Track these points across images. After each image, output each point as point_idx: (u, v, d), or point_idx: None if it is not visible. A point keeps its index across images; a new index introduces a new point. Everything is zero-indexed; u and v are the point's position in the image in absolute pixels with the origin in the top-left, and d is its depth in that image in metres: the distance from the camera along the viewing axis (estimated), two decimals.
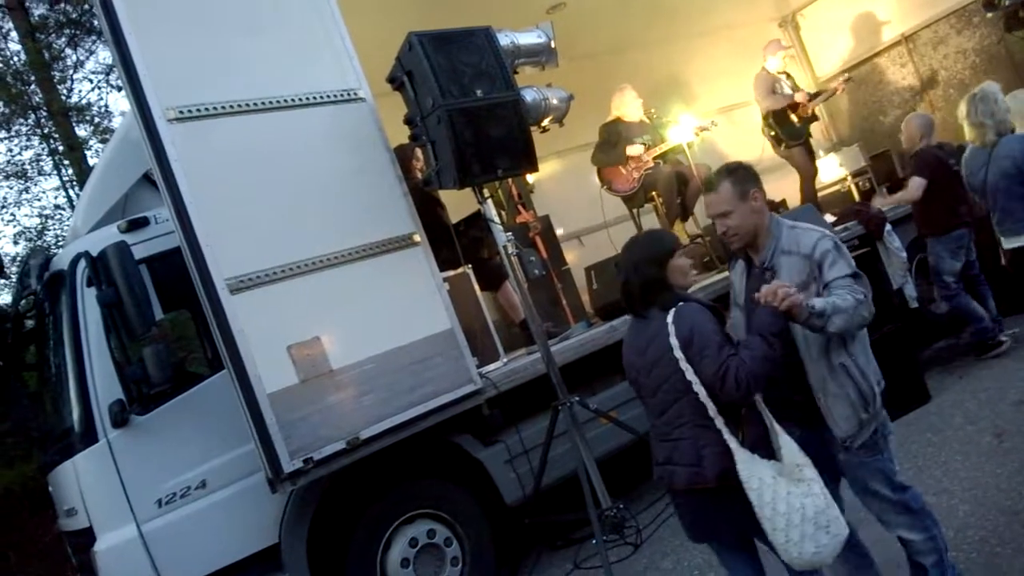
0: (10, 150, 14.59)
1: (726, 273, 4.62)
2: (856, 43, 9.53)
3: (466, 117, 4.12)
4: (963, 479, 4.15)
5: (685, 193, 6.84)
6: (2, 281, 12.40)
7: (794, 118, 7.42)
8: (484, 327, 5.06)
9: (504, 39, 4.47)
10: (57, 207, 14.87)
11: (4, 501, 8.99)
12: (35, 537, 8.63)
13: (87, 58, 15.36)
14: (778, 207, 7.19)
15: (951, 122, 7.11)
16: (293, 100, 4.36)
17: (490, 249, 5.38)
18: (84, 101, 15.12)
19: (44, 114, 14.39)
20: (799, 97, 7.35)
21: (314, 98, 4.43)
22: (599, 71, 7.53)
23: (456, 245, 5.14)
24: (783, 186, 7.94)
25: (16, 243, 14.48)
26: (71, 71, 15.16)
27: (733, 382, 2.47)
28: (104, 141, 13.49)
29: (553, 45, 4.80)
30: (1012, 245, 4.62)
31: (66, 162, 14.50)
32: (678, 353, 2.57)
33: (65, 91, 14.79)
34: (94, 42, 14.92)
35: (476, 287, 5.14)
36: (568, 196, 7.87)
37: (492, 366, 4.92)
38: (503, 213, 6.43)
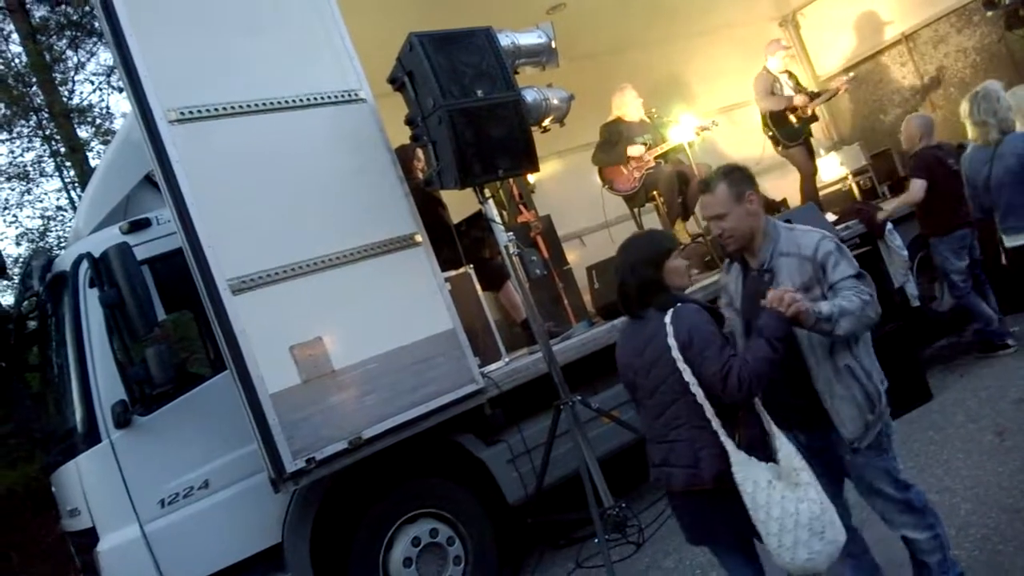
0: (12, 152, 14.64)
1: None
2: (856, 42, 9.53)
3: (467, 117, 4.12)
4: (965, 477, 4.15)
5: (686, 192, 6.84)
6: (4, 282, 12.41)
7: (792, 119, 7.42)
8: (486, 327, 5.06)
9: (505, 39, 4.47)
10: (59, 208, 14.94)
11: (7, 502, 9.00)
12: (38, 538, 8.64)
13: (88, 60, 15.42)
14: (779, 206, 7.21)
15: (952, 121, 7.12)
16: (294, 101, 4.36)
17: (491, 249, 5.38)
18: (85, 103, 15.17)
19: (46, 116, 14.42)
20: (798, 100, 7.33)
21: (315, 99, 4.43)
22: (599, 71, 7.53)
23: (457, 245, 5.14)
24: (784, 185, 7.96)
25: (18, 244, 14.54)
26: (72, 73, 15.22)
27: (736, 381, 2.46)
28: (105, 142, 13.51)
29: (553, 45, 4.80)
30: (1015, 243, 4.62)
31: (68, 164, 14.54)
32: (676, 354, 2.56)
33: (66, 93, 14.83)
34: (95, 44, 14.96)
35: (478, 287, 5.15)
36: (569, 196, 7.87)
37: (494, 366, 4.92)
38: (504, 213, 6.43)
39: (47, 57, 14.40)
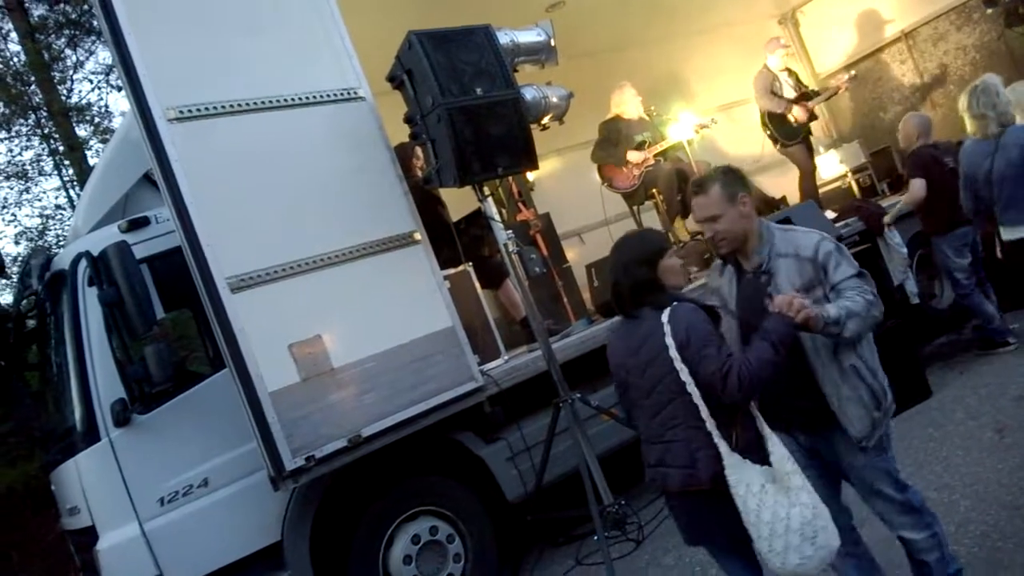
0: (11, 150, 14.63)
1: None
2: (856, 40, 9.54)
3: (466, 115, 4.12)
4: (964, 474, 4.15)
5: (685, 190, 6.81)
6: (3, 281, 12.43)
7: (791, 118, 7.42)
8: (485, 325, 5.06)
9: (504, 37, 4.47)
10: (58, 207, 14.93)
11: (6, 500, 9.00)
12: (37, 536, 8.63)
13: (87, 58, 15.41)
14: (778, 203, 7.21)
15: (952, 118, 7.11)
16: (293, 99, 4.36)
17: (491, 247, 5.38)
18: (84, 101, 15.17)
19: (44, 114, 14.41)
20: (797, 113, 7.31)
21: (314, 97, 4.43)
22: (599, 69, 7.53)
23: (457, 243, 5.14)
24: (783, 182, 7.97)
25: (17, 243, 14.53)
26: (71, 71, 15.21)
27: (736, 381, 2.45)
28: (104, 141, 13.52)
29: (553, 43, 4.80)
30: (1014, 236, 4.60)
31: (66, 162, 14.54)
32: (673, 353, 2.54)
33: (65, 91, 14.83)
34: (94, 42, 14.95)
35: (477, 285, 5.15)
36: (568, 194, 7.87)
37: (493, 363, 4.92)
38: (503, 211, 6.42)
39: (46, 56, 14.40)
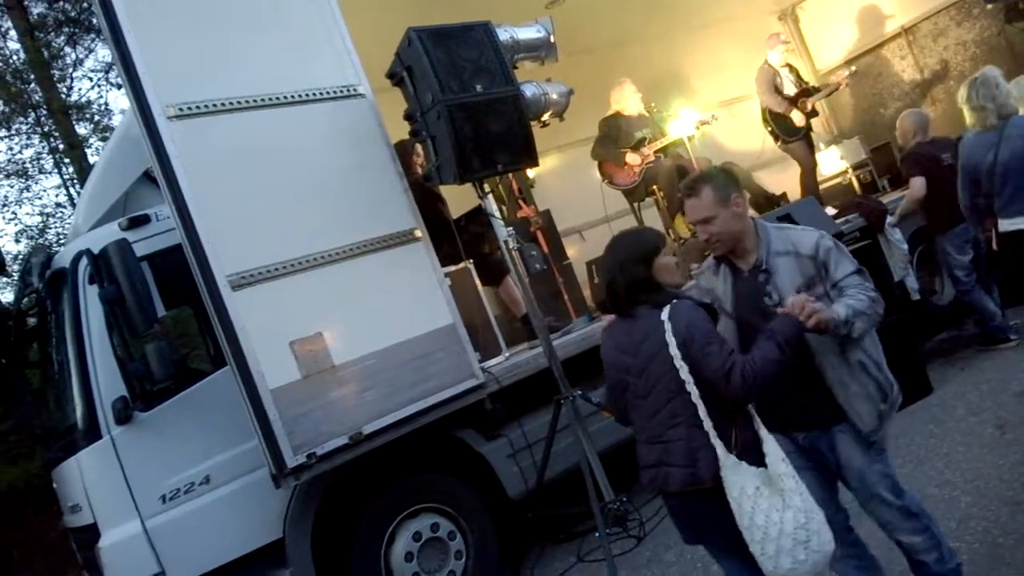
0: (11, 149, 14.64)
1: None
2: (856, 36, 9.52)
3: (466, 112, 4.12)
4: (965, 470, 4.15)
5: None
6: (4, 279, 12.45)
7: (791, 118, 7.41)
8: (486, 322, 5.06)
9: (503, 34, 4.46)
10: (58, 205, 14.96)
11: (8, 498, 9.02)
12: (39, 534, 8.64)
13: (86, 56, 15.43)
14: (779, 200, 7.20)
15: (952, 114, 7.11)
16: (293, 97, 4.36)
17: (491, 244, 5.38)
18: (84, 99, 15.19)
19: (44, 112, 14.42)
20: (796, 118, 7.30)
21: (314, 94, 4.43)
22: (599, 65, 7.52)
23: (457, 240, 5.15)
24: (784, 178, 7.95)
25: (18, 241, 14.57)
26: (70, 69, 15.21)
27: (739, 378, 2.44)
28: (104, 139, 13.52)
29: (552, 40, 4.79)
30: (1013, 227, 4.58)
31: (66, 160, 14.55)
32: (674, 351, 2.53)
33: (65, 89, 14.84)
34: (93, 40, 14.96)
35: (477, 282, 5.14)
36: (569, 191, 7.87)
37: (494, 361, 4.92)
38: (504, 208, 6.42)
39: (45, 54, 14.39)
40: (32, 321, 5.37)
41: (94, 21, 13.36)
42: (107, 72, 15.01)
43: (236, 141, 4.17)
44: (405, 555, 4.50)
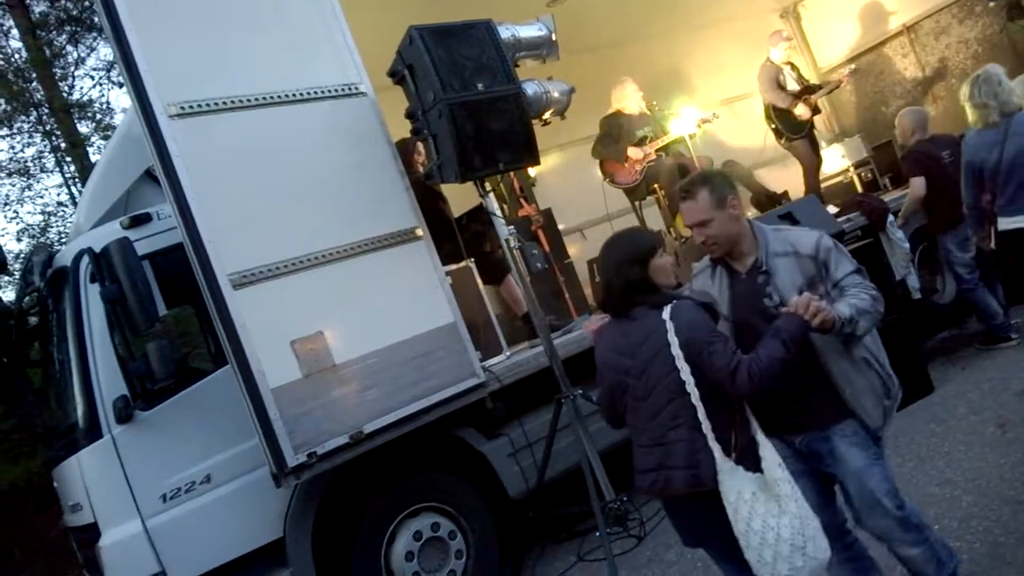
0: (12, 147, 14.64)
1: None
2: (858, 34, 9.51)
3: (467, 111, 4.11)
4: (966, 469, 4.14)
5: None
6: (6, 278, 12.46)
7: (796, 114, 7.39)
8: (487, 321, 5.05)
9: (505, 32, 4.46)
10: (59, 204, 14.96)
11: (9, 497, 9.01)
12: (40, 533, 8.65)
13: (88, 55, 15.43)
14: (780, 199, 7.20)
15: (954, 112, 7.10)
16: (294, 95, 4.36)
17: (492, 243, 5.38)
18: (85, 98, 15.18)
19: (46, 111, 14.43)
20: (800, 112, 7.29)
21: (315, 93, 4.42)
22: (600, 64, 7.51)
23: (458, 239, 5.14)
24: (785, 177, 7.95)
25: (19, 240, 14.57)
26: (72, 68, 15.21)
27: (746, 376, 2.44)
28: (106, 137, 13.53)
29: (554, 38, 4.78)
30: (1014, 226, 4.56)
31: (68, 159, 14.55)
32: (676, 351, 2.51)
33: (66, 88, 14.83)
34: (95, 39, 14.95)
35: (478, 281, 5.14)
36: (570, 189, 7.87)
37: (495, 360, 4.92)
38: (505, 207, 6.43)
39: (47, 52, 14.39)
40: (33, 320, 5.38)
41: (96, 19, 13.36)
42: (109, 71, 15.02)
43: (238, 140, 4.17)
44: (406, 554, 4.50)
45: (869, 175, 8.18)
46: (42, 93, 14.28)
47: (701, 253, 6.50)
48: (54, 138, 14.61)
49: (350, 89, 4.55)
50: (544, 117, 4.67)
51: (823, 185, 7.88)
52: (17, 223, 14.74)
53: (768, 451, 2.53)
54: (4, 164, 14.51)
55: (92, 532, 4.32)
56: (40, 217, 14.92)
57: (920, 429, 4.82)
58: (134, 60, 3.96)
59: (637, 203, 7.10)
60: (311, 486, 4.33)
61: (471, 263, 5.15)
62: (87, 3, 14.05)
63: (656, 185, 6.91)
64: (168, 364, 4.24)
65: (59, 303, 4.69)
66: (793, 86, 7.50)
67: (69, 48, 15.11)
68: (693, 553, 4.29)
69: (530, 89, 4.50)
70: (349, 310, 4.27)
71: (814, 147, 7.65)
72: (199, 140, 4.04)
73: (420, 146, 4.96)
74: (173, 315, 6.10)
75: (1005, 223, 4.59)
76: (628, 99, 6.94)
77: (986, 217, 4.77)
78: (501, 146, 4.25)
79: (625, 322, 2.72)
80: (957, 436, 4.59)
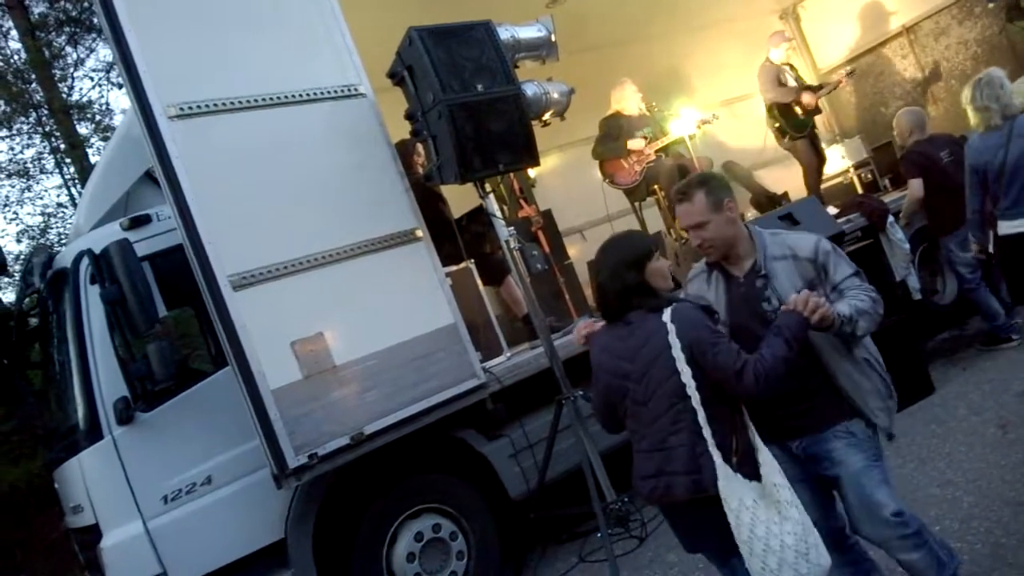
0: (12, 148, 14.65)
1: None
2: (857, 35, 9.52)
3: (467, 112, 4.11)
4: (967, 470, 4.14)
5: None
6: (6, 279, 12.45)
7: (798, 110, 7.40)
8: (487, 322, 5.05)
9: (504, 33, 4.45)
10: (59, 205, 14.98)
11: (10, 498, 9.02)
12: (41, 534, 8.64)
13: (87, 56, 15.44)
14: (780, 199, 7.20)
15: (953, 113, 7.10)
16: (294, 96, 4.35)
17: (492, 244, 5.37)
18: (85, 99, 15.20)
19: (45, 112, 14.43)
20: (806, 98, 7.28)
21: (314, 94, 4.42)
22: (600, 65, 7.50)
23: (458, 240, 5.14)
24: (786, 177, 7.95)
25: (19, 241, 14.59)
26: (72, 69, 15.22)
27: (752, 376, 2.42)
28: (105, 139, 13.53)
29: (553, 39, 4.78)
30: (1014, 230, 4.55)
31: (67, 160, 14.56)
32: (677, 353, 2.49)
33: (66, 89, 14.85)
34: (94, 40, 14.97)
35: (478, 282, 5.14)
36: (570, 190, 7.87)
37: (495, 361, 4.91)
38: (505, 208, 6.42)
39: (46, 53, 14.40)
40: (34, 321, 5.38)
41: (95, 21, 13.36)
42: (108, 72, 15.04)
43: (237, 141, 4.17)
44: (407, 556, 4.49)
45: (869, 176, 8.18)
46: (41, 94, 14.29)
47: (700, 255, 6.52)
48: (53, 139, 14.63)
49: (350, 90, 4.54)
50: (544, 118, 4.66)
51: (823, 186, 7.87)
52: (17, 224, 14.79)
53: (766, 456, 2.52)
54: (4, 165, 14.54)
55: (93, 533, 4.31)
56: (40, 218, 14.96)
57: (921, 430, 4.82)
58: (133, 61, 3.95)
59: (637, 204, 7.10)
60: (312, 487, 4.32)
61: (471, 264, 5.15)
62: (86, 4, 14.05)
63: (656, 186, 6.90)
64: (168, 365, 4.24)
65: (59, 304, 4.69)
66: (793, 85, 7.50)
67: (68, 49, 15.14)
68: (694, 555, 4.29)
69: (530, 90, 4.50)
70: (349, 311, 4.27)
71: (816, 146, 7.64)
72: (199, 141, 4.04)
73: (420, 147, 4.95)
74: (173, 316, 6.09)
75: (1006, 227, 4.58)
76: (627, 100, 6.94)
77: (986, 223, 4.76)
78: (501, 147, 4.25)
79: (622, 326, 2.69)
80: (958, 437, 4.58)
